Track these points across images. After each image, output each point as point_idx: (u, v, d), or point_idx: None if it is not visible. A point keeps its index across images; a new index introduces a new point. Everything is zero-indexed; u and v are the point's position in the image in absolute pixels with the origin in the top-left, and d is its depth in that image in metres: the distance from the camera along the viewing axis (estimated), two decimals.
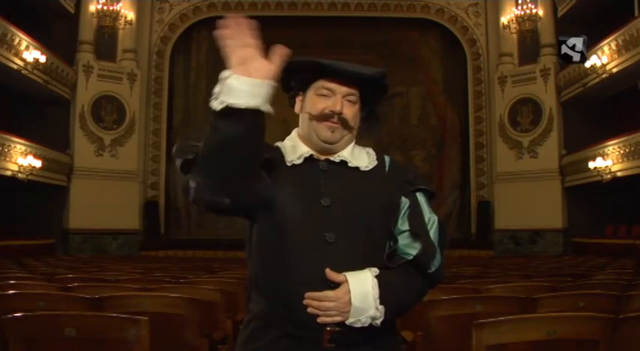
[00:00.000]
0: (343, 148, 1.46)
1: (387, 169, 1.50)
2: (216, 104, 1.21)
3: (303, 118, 1.48)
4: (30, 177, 11.10)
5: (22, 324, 1.90)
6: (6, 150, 10.79)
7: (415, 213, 1.44)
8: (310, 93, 1.45)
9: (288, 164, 1.44)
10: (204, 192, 1.27)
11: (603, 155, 11.53)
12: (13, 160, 10.89)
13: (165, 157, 14.38)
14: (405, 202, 1.45)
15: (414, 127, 15.22)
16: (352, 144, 1.49)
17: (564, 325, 1.86)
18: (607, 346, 1.86)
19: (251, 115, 1.20)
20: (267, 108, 1.23)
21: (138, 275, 5.02)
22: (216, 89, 1.21)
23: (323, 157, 1.45)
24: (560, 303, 2.83)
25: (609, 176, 11.32)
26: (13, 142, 11.02)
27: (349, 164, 1.45)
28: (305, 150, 1.45)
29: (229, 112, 1.19)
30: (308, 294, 1.30)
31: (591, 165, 11.67)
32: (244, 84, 1.19)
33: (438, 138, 15.20)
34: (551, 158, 13.45)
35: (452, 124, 15.15)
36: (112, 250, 13.13)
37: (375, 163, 1.48)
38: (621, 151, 11.22)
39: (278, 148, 1.48)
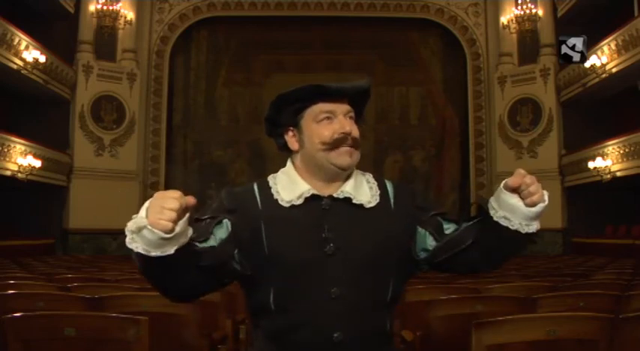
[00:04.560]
0: (350, 174, 1.37)
1: (392, 202, 1.39)
2: (131, 245, 1.13)
3: (306, 152, 1.36)
4: (30, 177, 11.08)
5: (21, 324, 1.89)
6: (6, 150, 10.77)
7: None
8: (307, 123, 1.34)
9: (285, 204, 1.33)
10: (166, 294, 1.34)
11: (603, 155, 11.52)
12: (12, 160, 10.88)
13: (165, 157, 14.37)
14: (422, 231, 1.39)
15: (413, 127, 15.20)
16: (354, 170, 1.38)
17: (564, 325, 1.85)
18: (607, 346, 1.85)
19: (166, 258, 1.14)
20: (180, 245, 1.14)
21: (138, 275, 5.00)
22: (132, 227, 1.12)
23: (326, 194, 1.35)
24: (560, 303, 2.82)
25: (609, 176, 11.31)
26: (13, 142, 11.00)
27: (353, 201, 1.34)
28: (305, 188, 1.34)
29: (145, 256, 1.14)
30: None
31: (591, 165, 11.66)
32: (156, 237, 1.10)
33: (437, 138, 15.18)
34: (551, 158, 13.44)
35: (451, 124, 15.14)
36: (112, 250, 13.10)
37: (378, 198, 1.37)
38: (621, 151, 11.22)
39: (267, 186, 1.38)
